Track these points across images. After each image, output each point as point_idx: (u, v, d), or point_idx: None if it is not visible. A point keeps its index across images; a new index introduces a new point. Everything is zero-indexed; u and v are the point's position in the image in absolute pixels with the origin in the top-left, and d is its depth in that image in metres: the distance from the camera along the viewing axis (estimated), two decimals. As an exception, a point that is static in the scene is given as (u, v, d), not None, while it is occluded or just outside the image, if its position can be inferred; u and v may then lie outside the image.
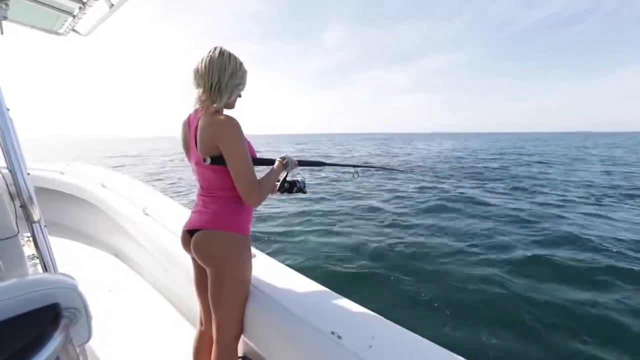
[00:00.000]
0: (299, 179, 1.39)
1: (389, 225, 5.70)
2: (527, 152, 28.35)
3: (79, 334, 0.55)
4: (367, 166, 1.97)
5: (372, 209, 6.97)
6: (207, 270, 1.19)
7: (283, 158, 1.31)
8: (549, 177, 12.04)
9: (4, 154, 1.12)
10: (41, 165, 4.12)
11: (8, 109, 1.14)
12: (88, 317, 0.57)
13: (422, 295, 3.36)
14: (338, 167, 1.80)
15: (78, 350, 0.54)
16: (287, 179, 1.36)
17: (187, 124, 1.21)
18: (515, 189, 9.53)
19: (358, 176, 1.72)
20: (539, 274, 3.78)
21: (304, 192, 1.40)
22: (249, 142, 1.20)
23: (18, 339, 0.45)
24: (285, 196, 1.40)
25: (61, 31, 2.00)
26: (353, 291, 3.33)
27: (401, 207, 7.12)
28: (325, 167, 1.57)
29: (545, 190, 9.26)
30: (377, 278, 3.72)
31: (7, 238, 1.28)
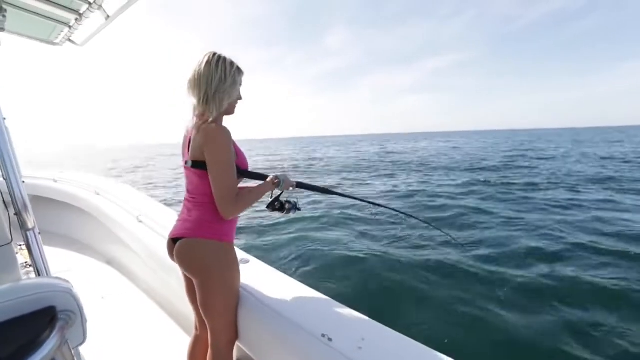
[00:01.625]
0: (291, 200, 1.34)
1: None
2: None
3: (75, 336, 0.57)
4: (384, 207, 1.69)
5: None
6: (192, 279, 1.19)
7: (276, 177, 1.26)
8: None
9: None
10: (34, 173, 4.10)
11: (4, 118, 1.16)
12: (83, 320, 0.59)
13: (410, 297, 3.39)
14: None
15: (73, 352, 0.56)
16: (281, 198, 1.32)
17: (188, 128, 1.23)
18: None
19: (376, 216, 1.63)
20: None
21: (295, 211, 1.35)
22: (242, 154, 1.22)
23: (14, 340, 0.47)
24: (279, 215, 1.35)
25: (57, 41, 2.02)
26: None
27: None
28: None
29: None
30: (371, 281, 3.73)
31: (0, 246, 1.28)
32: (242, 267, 1.51)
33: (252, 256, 1.64)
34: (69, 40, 2.00)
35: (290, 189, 1.32)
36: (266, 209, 1.32)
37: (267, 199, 1.31)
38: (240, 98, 1.21)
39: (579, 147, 27.60)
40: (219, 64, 1.11)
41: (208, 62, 1.10)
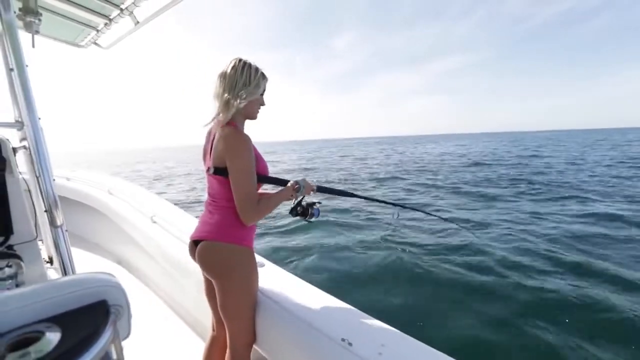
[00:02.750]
0: (315, 206, 1.34)
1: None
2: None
3: (123, 329, 0.60)
4: (403, 205, 1.65)
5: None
6: (212, 281, 1.22)
7: (296, 182, 1.27)
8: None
9: (33, 159, 1.18)
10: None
11: (39, 118, 1.21)
12: (129, 314, 0.62)
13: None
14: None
15: (122, 345, 0.58)
16: (303, 203, 1.33)
17: (209, 132, 1.26)
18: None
19: (398, 216, 1.62)
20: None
21: (317, 216, 1.35)
22: (262, 159, 1.24)
23: (78, 331, 0.49)
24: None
25: (82, 44, 2.08)
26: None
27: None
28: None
29: None
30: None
31: (27, 241, 1.31)
32: (258, 270, 1.53)
33: (267, 260, 1.65)
34: (95, 43, 2.05)
35: (311, 193, 1.34)
36: (289, 214, 1.34)
37: (289, 204, 1.33)
38: (263, 104, 1.24)
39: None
40: (244, 69, 1.14)
41: (234, 67, 1.14)
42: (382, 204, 1.64)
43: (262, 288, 1.34)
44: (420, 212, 1.78)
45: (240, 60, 1.15)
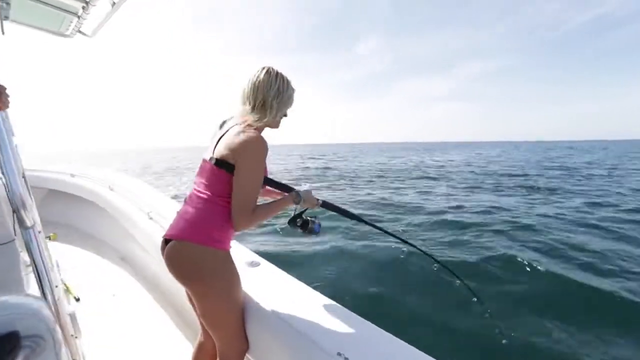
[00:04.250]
0: (316, 221, 1.26)
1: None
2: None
3: None
4: (416, 246, 1.51)
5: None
6: (184, 286, 1.11)
7: (297, 193, 1.20)
8: None
9: None
10: (52, 167, 4.16)
11: None
12: (56, 344, 0.49)
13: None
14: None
15: None
16: (303, 215, 1.25)
17: (221, 125, 1.22)
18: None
19: (406, 254, 1.48)
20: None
21: (316, 234, 1.27)
22: (265, 167, 1.16)
23: None
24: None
25: (67, 33, 1.98)
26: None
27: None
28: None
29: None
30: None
31: (2, 244, 1.23)
32: (252, 270, 1.42)
33: (263, 259, 1.54)
34: (79, 31, 1.95)
35: (315, 207, 1.26)
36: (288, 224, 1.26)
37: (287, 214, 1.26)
38: (285, 115, 1.20)
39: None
40: (277, 77, 1.11)
41: (268, 72, 1.11)
42: (394, 238, 1.50)
43: (255, 291, 1.22)
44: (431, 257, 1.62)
45: (272, 67, 1.13)
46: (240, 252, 1.59)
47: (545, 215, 6.86)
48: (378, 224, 1.46)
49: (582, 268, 4.12)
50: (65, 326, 1.08)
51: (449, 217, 6.83)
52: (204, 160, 1.14)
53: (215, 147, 1.10)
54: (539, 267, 4.00)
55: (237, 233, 1.14)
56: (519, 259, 4.23)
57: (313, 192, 1.26)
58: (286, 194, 1.25)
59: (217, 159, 1.07)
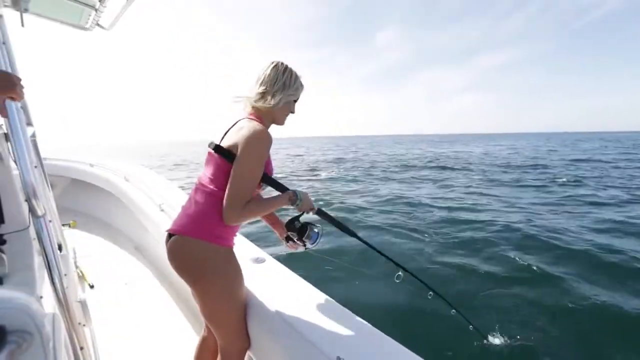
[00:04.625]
0: (315, 228, 1.16)
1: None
2: None
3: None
4: (407, 269, 1.29)
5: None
6: (185, 282, 1.10)
7: (295, 193, 1.12)
8: None
9: (9, 144, 1.10)
10: (74, 157, 4.31)
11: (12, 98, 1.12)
12: (44, 341, 0.49)
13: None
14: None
15: None
16: (301, 219, 1.17)
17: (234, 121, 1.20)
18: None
19: (401, 279, 1.24)
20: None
21: (306, 247, 1.17)
22: (270, 160, 1.14)
23: None
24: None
25: (87, 26, 2.02)
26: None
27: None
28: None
29: None
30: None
31: (16, 231, 1.27)
32: (256, 267, 1.40)
33: (268, 255, 1.53)
34: (98, 24, 1.98)
35: (311, 213, 1.17)
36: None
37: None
38: (293, 111, 1.19)
39: None
40: (285, 71, 1.12)
41: (275, 66, 1.11)
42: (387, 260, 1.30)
43: (259, 288, 1.21)
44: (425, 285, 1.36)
45: (281, 62, 1.13)
46: (245, 248, 1.59)
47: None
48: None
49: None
50: (73, 314, 1.10)
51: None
52: (209, 153, 1.13)
53: (222, 138, 1.11)
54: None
55: (240, 228, 1.12)
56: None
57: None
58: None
59: (217, 145, 1.07)
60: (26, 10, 1.39)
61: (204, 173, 1.14)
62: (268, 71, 1.11)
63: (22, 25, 1.40)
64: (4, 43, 1.14)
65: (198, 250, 1.04)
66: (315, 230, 1.16)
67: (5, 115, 0.99)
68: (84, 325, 1.26)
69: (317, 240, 1.17)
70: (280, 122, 1.18)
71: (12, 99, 0.99)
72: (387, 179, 12.29)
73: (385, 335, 0.99)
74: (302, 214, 1.17)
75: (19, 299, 0.47)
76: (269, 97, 1.09)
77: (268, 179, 1.13)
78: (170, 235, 1.11)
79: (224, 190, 1.04)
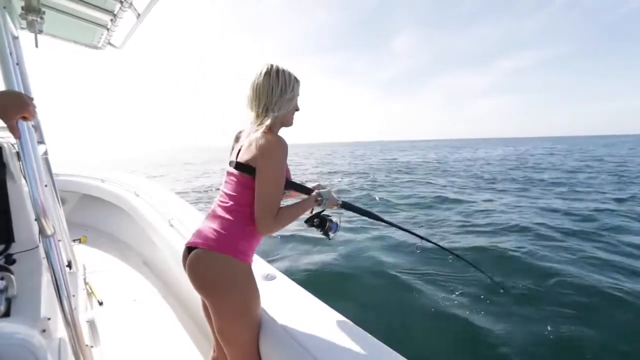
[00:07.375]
0: (334, 219, 1.23)
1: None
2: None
3: None
4: (430, 241, 1.41)
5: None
6: (203, 298, 1.09)
7: (319, 194, 1.17)
8: None
9: (21, 163, 1.10)
10: (86, 172, 4.37)
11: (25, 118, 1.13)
12: None
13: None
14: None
15: None
16: (322, 214, 1.22)
17: (236, 137, 1.23)
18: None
19: (420, 250, 1.40)
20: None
21: (330, 237, 1.23)
22: (287, 169, 1.15)
23: None
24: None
25: (99, 45, 2.07)
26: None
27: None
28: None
29: None
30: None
31: (25, 250, 1.26)
32: (267, 284, 1.36)
33: (279, 271, 1.49)
34: (109, 43, 2.03)
35: (335, 207, 1.22)
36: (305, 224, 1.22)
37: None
38: (297, 109, 1.18)
39: None
40: (279, 75, 1.08)
41: (267, 73, 1.08)
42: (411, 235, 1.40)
43: (270, 307, 1.17)
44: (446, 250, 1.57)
45: (272, 65, 1.09)
46: (255, 264, 1.55)
47: None
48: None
49: None
50: (81, 336, 1.07)
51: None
52: (228, 173, 1.15)
53: (237, 155, 1.11)
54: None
55: (259, 244, 1.12)
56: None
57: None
58: (305, 195, 1.22)
59: (238, 162, 1.08)
60: (41, 31, 1.42)
61: (223, 192, 1.15)
62: (261, 80, 1.08)
63: (37, 46, 1.43)
64: (17, 64, 1.15)
65: (220, 265, 1.03)
66: (334, 220, 1.22)
67: (18, 137, 0.99)
68: (91, 347, 1.24)
69: (337, 230, 1.24)
70: (289, 123, 1.18)
71: (25, 118, 1.00)
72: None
73: (403, 357, 0.94)
74: (321, 211, 1.21)
75: (20, 333, 0.44)
76: (273, 108, 1.08)
77: (288, 183, 1.14)
78: (189, 250, 1.09)
79: (248, 206, 1.06)
